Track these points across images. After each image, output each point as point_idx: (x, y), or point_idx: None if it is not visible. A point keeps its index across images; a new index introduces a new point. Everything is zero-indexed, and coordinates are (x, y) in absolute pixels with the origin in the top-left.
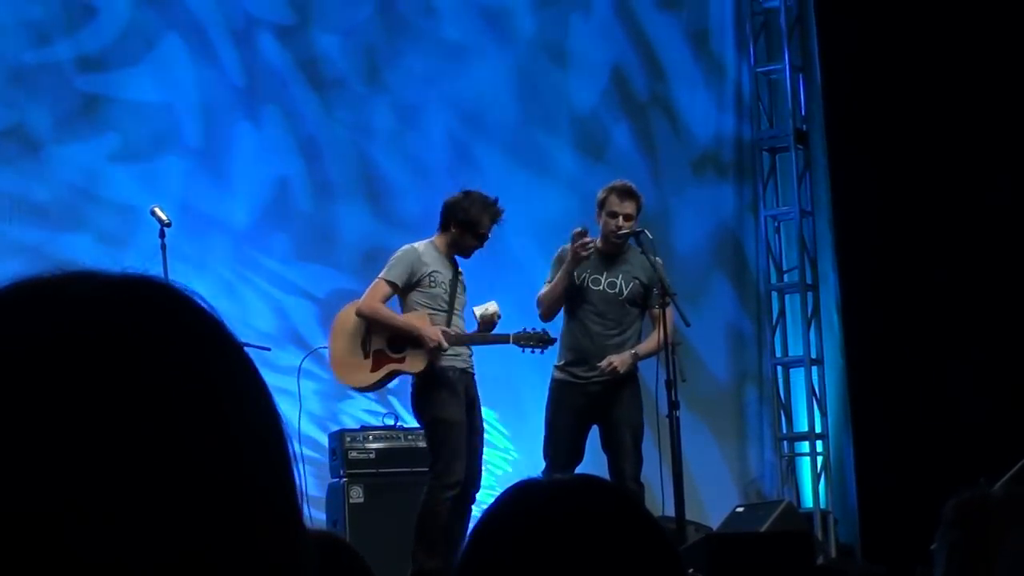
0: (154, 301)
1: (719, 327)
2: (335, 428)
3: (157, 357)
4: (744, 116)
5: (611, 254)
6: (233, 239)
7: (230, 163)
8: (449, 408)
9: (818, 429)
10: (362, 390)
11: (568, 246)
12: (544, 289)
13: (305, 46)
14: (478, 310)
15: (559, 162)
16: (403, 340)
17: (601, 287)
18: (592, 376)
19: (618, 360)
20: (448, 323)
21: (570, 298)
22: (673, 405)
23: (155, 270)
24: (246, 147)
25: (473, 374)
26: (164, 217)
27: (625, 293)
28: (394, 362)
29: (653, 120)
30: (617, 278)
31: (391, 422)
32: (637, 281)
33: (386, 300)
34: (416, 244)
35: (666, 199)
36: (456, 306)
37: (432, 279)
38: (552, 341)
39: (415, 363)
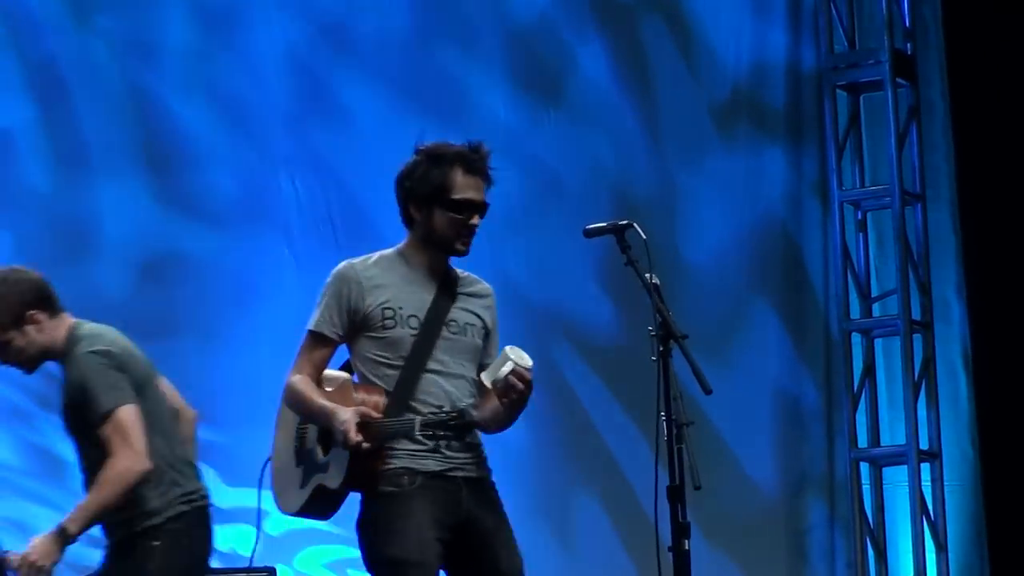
0: None
1: (762, 395)
2: None
3: None
4: (804, 28)
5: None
6: None
7: None
8: (397, 542)
9: (932, 574)
10: (299, 516)
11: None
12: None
13: None
14: (487, 375)
15: (482, 108)
16: (327, 433)
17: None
18: None
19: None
20: (411, 388)
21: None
22: (680, 531)
23: None
24: None
25: (473, 477)
26: None
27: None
28: (320, 470)
29: (646, 35)
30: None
31: None
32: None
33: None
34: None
35: (670, 172)
36: (439, 354)
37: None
38: (468, 423)
39: (334, 472)
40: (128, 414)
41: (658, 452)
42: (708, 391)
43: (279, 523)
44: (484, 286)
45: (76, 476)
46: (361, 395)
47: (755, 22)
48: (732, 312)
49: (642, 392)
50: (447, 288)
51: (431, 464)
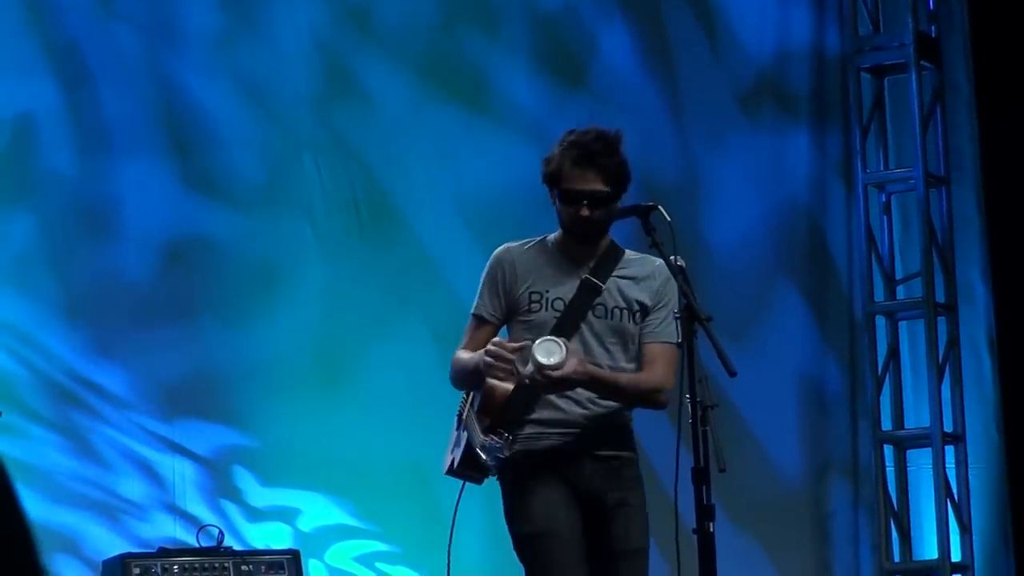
0: None
1: (786, 377)
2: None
3: None
4: (829, 11)
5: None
6: None
7: None
8: (523, 518)
9: (956, 556)
10: (452, 475)
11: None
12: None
13: None
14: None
15: (506, 92)
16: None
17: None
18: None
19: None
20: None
21: None
22: (705, 513)
23: None
24: None
25: (600, 455)
26: None
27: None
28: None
29: (670, 18)
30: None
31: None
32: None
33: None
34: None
35: (694, 155)
36: (584, 337)
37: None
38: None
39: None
40: None
41: (681, 434)
42: (733, 373)
43: (311, 519)
44: (650, 267)
45: (110, 463)
46: (489, 384)
47: (779, 4)
48: (756, 295)
49: None
50: (600, 271)
51: (550, 442)
